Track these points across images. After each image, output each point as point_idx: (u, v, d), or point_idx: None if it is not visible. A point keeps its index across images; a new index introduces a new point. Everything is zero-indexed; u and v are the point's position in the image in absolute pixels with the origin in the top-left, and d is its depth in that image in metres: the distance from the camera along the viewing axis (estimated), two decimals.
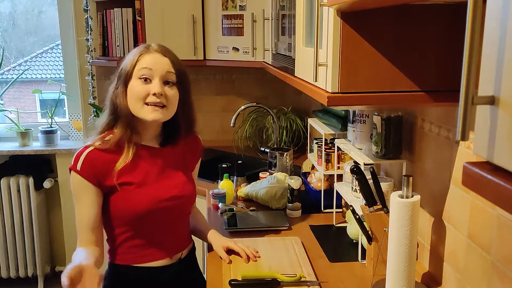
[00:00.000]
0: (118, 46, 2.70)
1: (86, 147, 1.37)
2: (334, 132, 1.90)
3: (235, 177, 2.25)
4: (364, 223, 1.45)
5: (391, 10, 1.10)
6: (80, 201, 1.38)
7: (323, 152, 1.92)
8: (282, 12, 1.79)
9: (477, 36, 0.49)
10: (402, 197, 1.26)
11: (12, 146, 3.13)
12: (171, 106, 1.39)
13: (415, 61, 1.13)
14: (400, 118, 1.49)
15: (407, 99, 1.15)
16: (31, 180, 3.10)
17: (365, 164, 1.48)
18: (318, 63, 1.15)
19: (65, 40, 3.14)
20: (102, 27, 2.78)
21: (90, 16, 2.85)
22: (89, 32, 2.87)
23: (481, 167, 0.51)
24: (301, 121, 2.81)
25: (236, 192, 2.16)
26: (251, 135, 2.98)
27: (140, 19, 2.65)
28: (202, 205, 2.15)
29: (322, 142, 1.94)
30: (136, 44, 2.70)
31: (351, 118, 1.70)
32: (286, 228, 1.82)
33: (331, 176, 1.96)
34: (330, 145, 1.96)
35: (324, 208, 1.97)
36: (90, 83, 2.98)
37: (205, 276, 1.57)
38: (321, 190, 1.97)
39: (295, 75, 1.52)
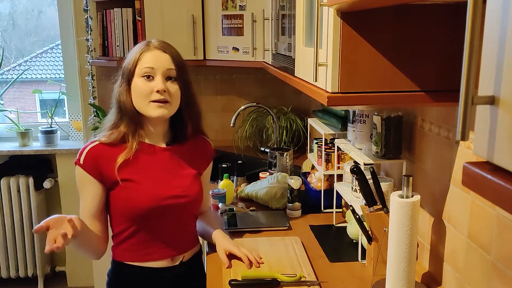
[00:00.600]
0: (118, 46, 2.69)
1: (92, 142, 1.42)
2: (334, 132, 1.90)
3: (235, 177, 2.25)
4: (364, 223, 1.45)
5: (391, 10, 1.10)
6: (83, 193, 1.42)
7: (323, 152, 1.92)
8: (282, 12, 1.79)
9: (477, 36, 0.49)
10: (402, 197, 1.26)
11: (12, 146, 3.13)
12: (174, 101, 1.41)
13: (415, 61, 1.13)
14: (400, 118, 1.49)
15: (407, 99, 1.15)
16: (31, 180, 3.10)
17: (365, 164, 1.48)
18: (318, 63, 1.15)
19: (65, 40, 3.14)
20: (102, 27, 2.78)
21: (90, 16, 2.85)
22: (89, 32, 2.87)
23: (481, 167, 0.51)
24: (301, 121, 2.81)
25: (236, 192, 2.16)
26: (251, 135, 2.98)
27: (140, 19, 2.65)
28: None
29: (322, 142, 1.94)
30: (136, 44, 2.69)
31: (351, 118, 1.70)
32: (286, 228, 1.82)
33: (331, 176, 1.96)
34: (330, 145, 1.96)
35: (324, 208, 1.97)
36: (90, 83, 2.98)
37: (205, 276, 1.57)
38: (321, 190, 1.97)
39: (295, 75, 1.52)
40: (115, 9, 2.69)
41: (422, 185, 1.47)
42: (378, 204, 1.40)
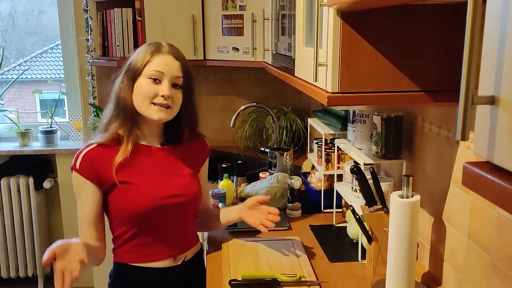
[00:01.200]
0: (118, 46, 2.69)
1: (87, 146, 1.41)
2: (334, 132, 1.90)
3: (235, 177, 2.25)
4: (364, 223, 1.45)
5: (391, 10, 1.10)
6: (81, 198, 1.41)
7: (323, 152, 1.92)
8: (282, 12, 1.79)
9: (477, 36, 0.49)
10: (402, 197, 1.26)
11: (12, 146, 3.13)
12: (175, 107, 1.41)
13: (415, 61, 1.13)
14: (400, 118, 1.49)
15: (407, 99, 1.15)
16: (31, 180, 3.10)
17: (365, 164, 1.48)
18: (318, 63, 1.15)
19: (65, 40, 3.14)
20: (102, 27, 2.78)
21: (90, 16, 2.85)
22: (89, 32, 2.87)
23: (481, 167, 0.51)
24: (301, 121, 2.81)
25: (236, 192, 2.16)
26: (251, 135, 2.98)
27: (140, 19, 2.65)
28: None
29: (322, 142, 1.94)
30: (136, 44, 2.70)
31: (351, 118, 1.70)
32: (286, 228, 1.82)
33: (331, 176, 1.96)
34: (330, 145, 1.96)
35: (324, 208, 1.97)
36: (90, 83, 2.98)
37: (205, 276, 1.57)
38: (321, 190, 1.97)
39: (295, 75, 1.52)
40: (115, 9, 2.69)
41: (422, 185, 1.47)
42: (378, 204, 1.40)
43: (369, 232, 1.44)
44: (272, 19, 2.02)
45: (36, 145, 3.16)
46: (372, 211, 1.39)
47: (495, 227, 1.09)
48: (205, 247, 1.75)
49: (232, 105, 3.09)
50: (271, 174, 2.23)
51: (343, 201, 1.90)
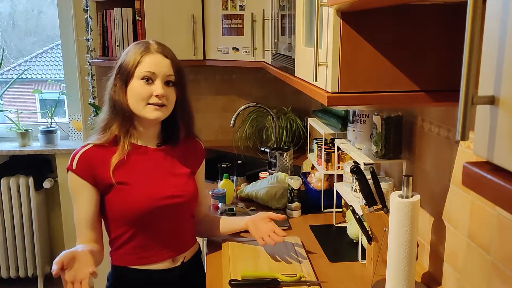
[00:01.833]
0: (118, 46, 2.70)
1: (83, 146, 1.40)
2: (334, 132, 1.90)
3: (235, 177, 2.25)
4: (364, 223, 1.45)
5: (391, 10, 1.10)
6: (78, 199, 1.40)
7: (323, 152, 1.92)
8: (282, 12, 1.79)
9: (477, 36, 0.49)
10: (402, 197, 1.26)
11: (12, 146, 3.13)
12: (170, 105, 1.41)
13: (415, 61, 1.13)
14: (400, 118, 1.49)
15: (407, 99, 1.15)
16: (31, 180, 3.10)
17: (365, 164, 1.48)
18: (318, 63, 1.15)
19: (65, 40, 3.14)
20: (102, 27, 2.78)
21: (90, 16, 2.85)
22: (89, 32, 2.87)
23: (481, 167, 0.51)
24: (301, 121, 2.81)
25: (236, 192, 2.16)
26: (251, 135, 2.98)
27: (140, 19, 2.65)
28: None
29: (322, 142, 1.94)
30: None
31: (351, 118, 1.70)
32: (286, 228, 1.82)
33: (331, 176, 1.96)
34: (330, 145, 1.96)
35: (324, 208, 1.97)
36: (90, 83, 2.98)
37: (205, 276, 1.57)
38: (321, 190, 1.97)
39: (295, 75, 1.52)
40: (115, 9, 2.69)
41: (422, 185, 1.47)
42: (378, 204, 1.40)
43: (369, 232, 1.44)
44: (272, 19, 2.02)
45: (36, 145, 3.17)
46: (372, 211, 1.39)
47: (495, 227, 1.09)
48: (205, 247, 1.75)
49: (232, 105, 3.09)
50: (271, 174, 2.23)
51: (343, 201, 1.90)
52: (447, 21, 1.12)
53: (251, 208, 2.02)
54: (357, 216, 1.44)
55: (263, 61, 2.37)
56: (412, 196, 1.25)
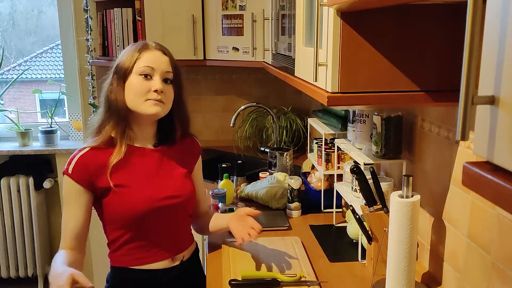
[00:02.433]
0: (118, 46, 2.70)
1: (80, 150, 1.38)
2: (334, 132, 1.90)
3: (235, 177, 2.25)
4: (364, 223, 1.45)
5: (391, 10, 1.10)
6: (69, 205, 1.38)
7: (323, 152, 1.92)
8: (282, 12, 1.79)
9: (477, 36, 0.49)
10: (402, 197, 1.26)
11: (12, 146, 3.13)
12: (168, 103, 1.41)
13: (415, 61, 1.13)
14: (400, 118, 1.49)
15: (407, 99, 1.15)
16: (31, 180, 3.10)
17: (365, 164, 1.48)
18: (318, 63, 1.15)
19: (65, 40, 3.14)
20: (102, 27, 2.78)
21: (90, 16, 2.85)
22: (89, 32, 2.87)
23: (481, 167, 0.51)
24: (301, 121, 2.81)
25: (236, 192, 2.16)
26: (251, 135, 2.98)
27: (140, 19, 2.65)
28: None
29: (322, 142, 1.94)
30: None
31: (351, 118, 1.70)
32: (286, 228, 1.82)
33: (331, 176, 1.96)
34: (330, 145, 1.96)
35: (324, 208, 1.97)
36: (90, 83, 2.98)
37: (205, 276, 1.57)
38: (321, 190, 1.97)
39: (295, 75, 1.52)
40: (115, 9, 2.69)
41: (422, 185, 1.47)
42: (378, 204, 1.40)
43: (369, 232, 1.44)
44: (272, 19, 2.02)
45: (36, 145, 3.16)
46: (372, 211, 1.39)
47: (495, 227, 1.09)
48: (205, 247, 1.75)
49: (232, 105, 3.09)
50: (271, 174, 2.23)
51: (343, 201, 1.90)
52: (447, 21, 1.12)
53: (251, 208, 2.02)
54: (357, 216, 1.44)
55: (263, 61, 2.37)
56: (412, 196, 1.25)
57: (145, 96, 1.36)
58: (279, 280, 1.40)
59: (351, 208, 1.51)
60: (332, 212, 1.88)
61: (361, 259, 1.56)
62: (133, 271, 1.44)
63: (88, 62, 2.93)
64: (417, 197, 1.25)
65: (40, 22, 3.74)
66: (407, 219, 1.23)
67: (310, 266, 1.51)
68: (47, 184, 3.14)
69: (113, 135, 1.40)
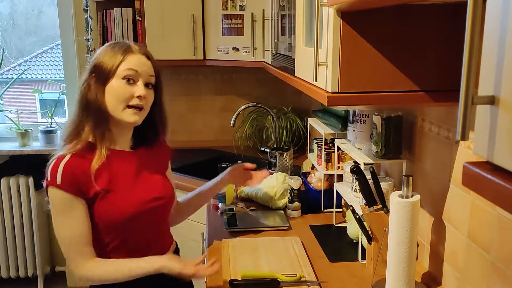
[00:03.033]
0: None
1: (60, 158, 1.29)
2: (334, 132, 1.90)
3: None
4: (364, 223, 1.45)
5: (391, 10, 1.10)
6: (68, 216, 1.30)
7: (323, 152, 1.92)
8: (282, 12, 1.79)
9: (477, 36, 0.49)
10: (402, 197, 1.26)
11: (12, 146, 3.13)
12: (147, 108, 1.37)
13: (415, 61, 1.13)
14: (400, 118, 1.49)
15: (407, 99, 1.15)
16: (31, 180, 3.10)
17: (365, 164, 1.48)
18: (318, 63, 1.15)
19: (65, 40, 3.14)
20: (102, 27, 2.78)
21: (90, 16, 2.85)
22: (89, 32, 2.87)
23: (481, 167, 0.51)
24: (301, 121, 2.81)
25: (236, 192, 2.16)
26: (251, 135, 2.98)
27: (140, 19, 2.65)
28: None
29: (322, 142, 1.94)
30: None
31: (351, 118, 1.70)
32: (286, 228, 1.82)
33: (331, 176, 1.96)
34: (330, 145, 1.96)
35: (324, 208, 1.97)
36: None
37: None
38: (321, 190, 1.97)
39: (295, 75, 1.52)
40: (115, 9, 2.69)
41: (422, 185, 1.47)
42: (378, 204, 1.40)
43: (369, 232, 1.44)
44: (272, 19, 2.02)
45: (36, 145, 3.16)
46: (372, 211, 1.40)
47: (495, 227, 1.09)
48: (205, 247, 1.75)
49: (232, 105, 3.09)
50: (271, 174, 2.23)
51: (343, 201, 1.90)
52: (447, 21, 1.12)
53: (251, 208, 2.02)
54: (357, 216, 1.44)
55: (263, 61, 2.37)
56: (412, 196, 1.25)
57: (127, 101, 1.32)
58: (279, 280, 1.40)
59: (351, 208, 1.51)
60: (332, 212, 1.88)
61: (361, 259, 1.56)
62: None
63: (88, 62, 2.92)
64: (417, 197, 1.25)
65: (40, 22, 3.74)
66: (407, 219, 1.23)
67: (310, 266, 1.51)
68: None
69: (90, 140, 1.33)
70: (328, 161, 1.93)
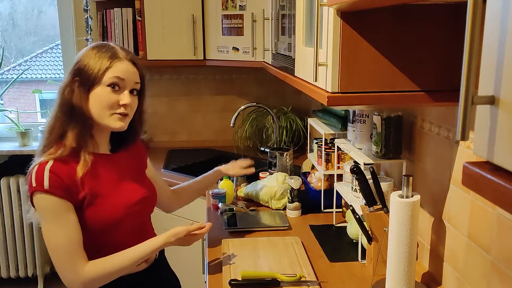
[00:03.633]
0: None
1: (43, 163, 1.25)
2: (334, 132, 1.90)
3: (235, 177, 2.25)
4: (364, 223, 1.45)
5: (391, 10, 1.10)
6: (62, 222, 1.25)
7: (323, 152, 1.92)
8: (282, 12, 1.79)
9: (477, 36, 0.49)
10: (402, 197, 1.26)
11: (12, 146, 3.13)
12: (131, 114, 1.36)
13: (415, 61, 1.13)
14: (400, 118, 1.49)
15: (407, 99, 1.15)
16: None
17: (365, 164, 1.48)
18: (318, 63, 1.15)
19: (65, 40, 3.14)
20: (102, 27, 2.78)
21: (90, 16, 2.85)
22: (89, 32, 2.87)
23: (481, 167, 0.51)
24: (301, 121, 2.81)
25: (236, 192, 2.16)
26: (251, 135, 2.98)
27: (140, 19, 2.65)
28: (202, 205, 2.15)
29: (322, 142, 1.94)
30: (136, 44, 2.70)
31: (351, 118, 1.70)
32: (286, 228, 1.82)
33: (331, 176, 1.96)
34: (330, 145, 1.96)
35: (324, 208, 1.97)
36: None
37: (206, 276, 1.57)
38: (321, 190, 1.97)
39: (295, 75, 1.52)
40: (115, 9, 2.69)
41: (422, 185, 1.47)
42: (378, 204, 1.40)
43: (369, 232, 1.44)
44: (272, 19, 2.02)
45: (36, 145, 3.13)
46: (372, 211, 1.40)
47: (495, 227, 1.09)
48: (205, 247, 1.75)
49: (232, 105, 3.09)
50: (271, 174, 2.23)
51: (343, 201, 1.90)
52: (447, 21, 1.12)
53: (251, 208, 2.02)
54: (357, 216, 1.44)
55: (263, 61, 2.37)
56: (412, 196, 1.25)
57: (112, 109, 1.30)
58: (279, 280, 1.40)
59: (351, 208, 1.51)
60: (332, 212, 1.88)
61: (361, 259, 1.56)
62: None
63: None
64: (417, 197, 1.25)
65: (40, 22, 3.75)
66: (407, 219, 1.23)
67: (310, 266, 1.51)
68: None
69: (74, 145, 1.29)
70: (328, 161, 1.93)
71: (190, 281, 2.04)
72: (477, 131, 0.52)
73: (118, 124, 1.32)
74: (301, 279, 1.41)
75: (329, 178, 2.08)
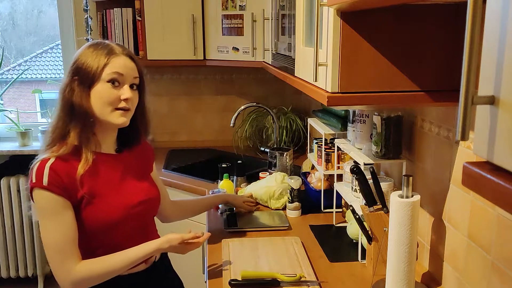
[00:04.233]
0: None
1: (44, 160, 1.28)
2: (334, 132, 1.90)
3: (235, 177, 2.25)
4: (364, 223, 1.45)
5: (391, 10, 1.10)
6: (58, 219, 1.26)
7: (323, 152, 1.92)
8: (282, 12, 1.79)
9: (477, 36, 0.49)
10: (402, 197, 1.26)
11: (12, 146, 3.13)
12: (133, 109, 1.37)
13: (415, 61, 1.13)
14: (400, 118, 1.49)
15: (407, 99, 1.15)
16: None
17: (365, 164, 1.48)
18: (318, 63, 1.15)
19: (65, 40, 3.14)
20: (102, 27, 2.79)
21: (90, 16, 2.85)
22: (89, 32, 2.87)
23: (481, 167, 0.51)
24: (301, 121, 2.81)
25: (236, 192, 2.16)
26: (251, 135, 2.98)
27: (140, 19, 2.65)
28: None
29: (322, 142, 1.94)
30: (136, 44, 2.70)
31: (351, 118, 1.70)
32: (286, 228, 1.82)
33: (331, 176, 1.96)
34: (330, 145, 1.96)
35: (324, 208, 1.97)
36: None
37: (206, 276, 1.57)
38: (321, 190, 1.97)
39: (295, 75, 1.53)
40: (115, 9, 2.69)
41: (422, 185, 1.47)
42: (378, 204, 1.40)
43: (369, 232, 1.44)
44: (272, 19, 2.02)
45: (36, 145, 3.16)
46: (372, 211, 1.40)
47: (495, 227, 1.09)
48: (205, 247, 1.75)
49: (232, 105, 3.09)
50: (271, 174, 2.23)
51: (343, 201, 1.90)
52: (447, 21, 1.12)
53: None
54: (357, 216, 1.44)
55: (263, 61, 2.37)
56: (412, 196, 1.25)
57: (113, 105, 1.31)
58: (279, 280, 1.40)
59: (351, 208, 1.51)
60: (332, 212, 1.88)
61: (361, 259, 1.56)
62: (107, 281, 1.35)
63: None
64: (417, 197, 1.25)
65: (40, 22, 3.75)
66: (407, 219, 1.23)
67: (310, 266, 1.51)
68: None
69: (76, 144, 1.30)
70: (328, 161, 1.93)
71: (193, 282, 2.04)
72: (477, 131, 0.52)
73: (120, 120, 1.33)
74: (301, 279, 1.41)
75: (329, 178, 2.08)
